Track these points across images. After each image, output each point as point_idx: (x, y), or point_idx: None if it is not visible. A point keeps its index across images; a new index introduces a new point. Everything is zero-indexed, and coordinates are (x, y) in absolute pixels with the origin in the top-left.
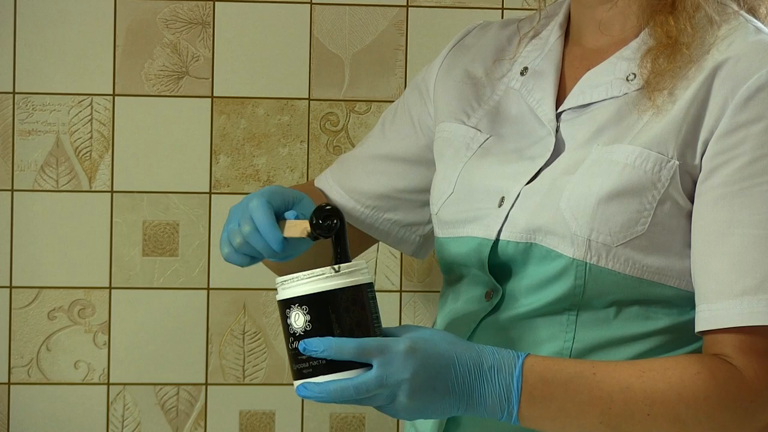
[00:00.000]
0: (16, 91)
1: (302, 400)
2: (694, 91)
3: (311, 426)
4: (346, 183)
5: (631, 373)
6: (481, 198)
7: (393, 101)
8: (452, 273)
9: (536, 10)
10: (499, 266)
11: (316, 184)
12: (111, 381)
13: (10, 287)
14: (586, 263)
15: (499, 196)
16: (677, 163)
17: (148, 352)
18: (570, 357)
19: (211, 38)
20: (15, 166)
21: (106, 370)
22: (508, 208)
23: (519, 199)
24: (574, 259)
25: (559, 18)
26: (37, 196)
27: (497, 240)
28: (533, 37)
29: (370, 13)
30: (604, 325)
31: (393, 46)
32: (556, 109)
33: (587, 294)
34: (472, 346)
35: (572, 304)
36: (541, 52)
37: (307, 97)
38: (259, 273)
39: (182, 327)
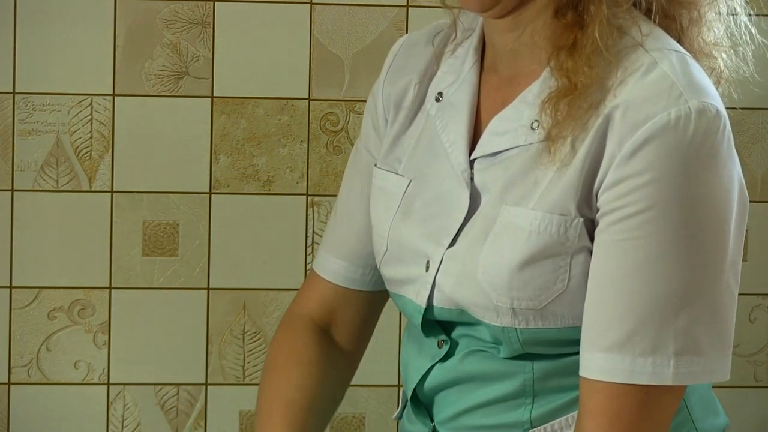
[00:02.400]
0: (16, 91)
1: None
2: (590, 141)
3: None
4: (344, 251)
5: None
6: (410, 259)
7: None
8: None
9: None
10: (440, 322)
11: (316, 270)
12: (111, 381)
13: (10, 287)
14: (516, 329)
15: (425, 260)
16: (581, 220)
17: (148, 352)
18: (533, 386)
19: (211, 38)
20: (15, 166)
21: (106, 370)
22: (434, 273)
23: (442, 264)
24: (503, 327)
25: (474, 41)
26: (37, 196)
27: (430, 306)
28: (451, 53)
29: (370, 13)
30: (557, 359)
31: None
32: (470, 155)
33: (528, 349)
34: None
35: (520, 355)
36: (457, 77)
37: (307, 97)
38: (259, 273)
39: (182, 327)
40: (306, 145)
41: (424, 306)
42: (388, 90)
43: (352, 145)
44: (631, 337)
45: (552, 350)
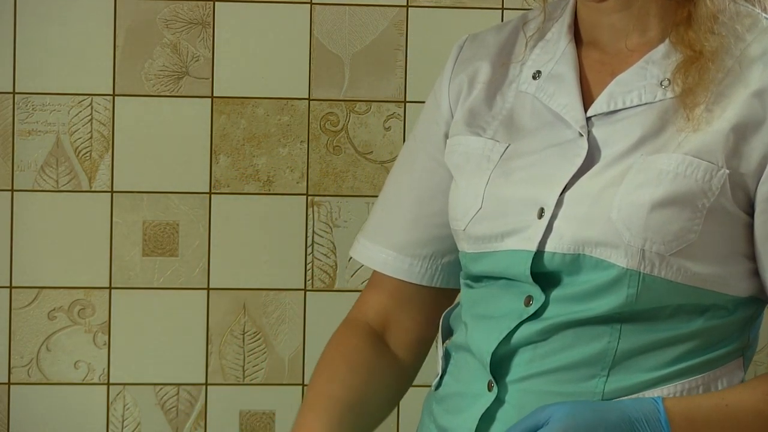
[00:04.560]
0: (16, 91)
1: (302, 400)
2: (743, 103)
3: None
4: (394, 241)
5: (758, 398)
6: (517, 210)
7: (393, 101)
8: (483, 282)
9: (531, 9)
10: (542, 275)
11: (356, 257)
12: (111, 381)
13: (10, 287)
14: (639, 273)
15: (537, 207)
16: (727, 171)
17: (148, 352)
18: (613, 358)
19: (211, 38)
20: (15, 166)
21: (106, 370)
22: (549, 218)
23: (561, 209)
24: (627, 269)
25: (566, 20)
26: (37, 196)
27: (541, 251)
28: (539, 39)
29: (370, 13)
30: (647, 330)
31: (393, 46)
32: (585, 113)
33: (639, 303)
34: (613, 406)
35: (621, 313)
36: (553, 56)
37: (307, 97)
38: (259, 273)
39: (182, 327)
40: (306, 145)
41: (535, 249)
42: (456, 81)
43: (352, 144)
44: None
45: (651, 314)
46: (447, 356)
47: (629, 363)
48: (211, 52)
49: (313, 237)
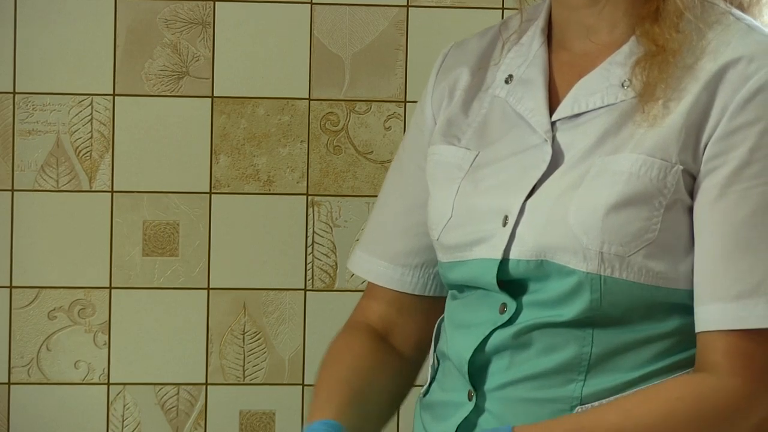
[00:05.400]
0: (16, 91)
1: (302, 400)
2: (694, 96)
3: None
4: (386, 252)
5: (617, 416)
6: (483, 218)
7: (393, 101)
8: (465, 291)
9: (517, 9)
10: (510, 282)
11: (351, 269)
12: (111, 381)
13: (11, 287)
14: (600, 276)
15: (502, 215)
16: (680, 167)
17: (148, 352)
18: (589, 362)
19: (212, 38)
20: (15, 165)
21: (106, 369)
22: (513, 225)
23: (523, 215)
24: (588, 273)
25: (540, 23)
26: (38, 195)
27: (506, 259)
28: (516, 42)
29: (370, 13)
30: (620, 331)
31: (393, 46)
32: (550, 118)
33: (605, 306)
34: None
35: (591, 317)
36: (525, 59)
37: (307, 97)
38: (259, 273)
39: (182, 327)
40: (306, 145)
41: (500, 258)
42: (438, 89)
43: (353, 144)
44: (761, 283)
45: (622, 316)
46: (436, 363)
47: (606, 365)
48: (211, 52)
49: (313, 237)
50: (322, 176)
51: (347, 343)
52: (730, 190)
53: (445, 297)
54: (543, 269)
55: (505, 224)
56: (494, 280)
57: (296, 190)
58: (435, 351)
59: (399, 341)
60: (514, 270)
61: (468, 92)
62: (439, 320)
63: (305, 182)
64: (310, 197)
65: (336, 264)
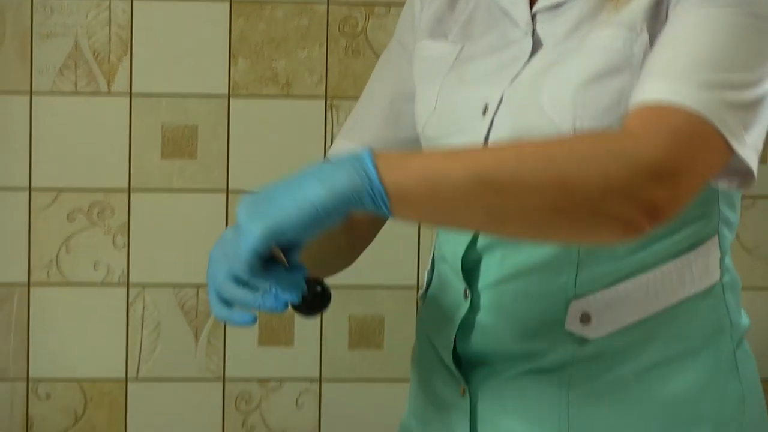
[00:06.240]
0: None
1: None
2: None
3: (331, 326)
4: (365, 140)
5: (503, 147)
6: (464, 109)
7: None
8: None
9: None
10: None
11: (329, 156)
12: (130, 282)
13: (29, 189)
14: None
15: (483, 104)
16: (646, 36)
17: (167, 253)
18: (578, 251)
19: None
20: (33, 69)
21: (125, 271)
22: (492, 114)
23: (502, 104)
24: None
25: None
26: (56, 99)
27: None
28: None
29: None
30: None
31: None
32: (531, 10)
33: None
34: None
35: None
36: None
37: (325, 0)
38: (278, 175)
39: (201, 229)
40: (325, 49)
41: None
42: None
43: (371, 47)
44: (692, 72)
45: None
46: (432, 267)
47: (597, 254)
48: None
49: (331, 140)
50: (340, 79)
51: None
52: (690, 7)
53: None
54: None
55: (485, 113)
56: None
57: (315, 93)
58: (432, 256)
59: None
60: None
61: None
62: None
63: (324, 85)
64: (328, 100)
65: None
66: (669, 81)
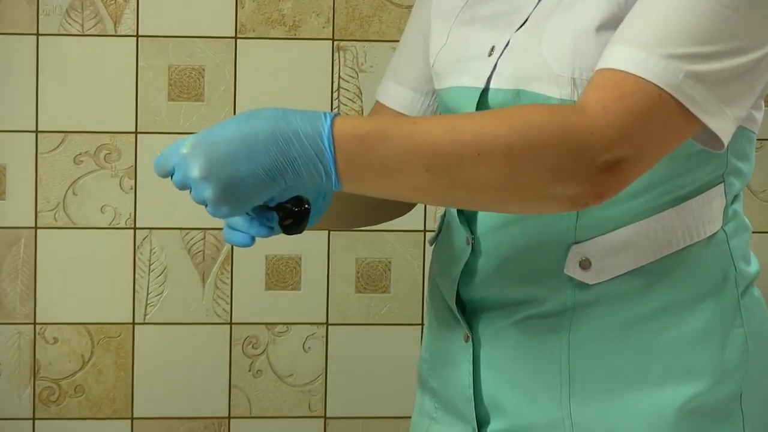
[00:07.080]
0: None
1: (328, 245)
2: None
3: (338, 270)
4: (400, 77)
5: (458, 116)
6: (473, 47)
7: None
8: None
9: None
10: None
11: (377, 97)
12: (137, 225)
13: (36, 131)
14: (574, 102)
15: (490, 45)
16: None
17: (174, 196)
18: None
19: None
20: (40, 10)
21: (132, 214)
22: (497, 56)
23: (507, 47)
24: (562, 99)
25: None
26: (62, 40)
27: (487, 89)
28: None
29: None
30: None
31: None
32: None
33: None
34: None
35: None
36: None
37: None
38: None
39: None
40: None
41: (482, 87)
42: None
43: None
44: (660, 43)
45: None
46: (443, 213)
47: None
48: None
49: (339, 82)
50: (347, 21)
51: None
52: None
53: None
54: (520, 99)
55: (490, 55)
56: (474, 109)
57: (322, 35)
58: None
59: None
60: (493, 100)
61: None
62: None
63: (331, 27)
64: (335, 42)
65: (362, 110)
66: (636, 51)
